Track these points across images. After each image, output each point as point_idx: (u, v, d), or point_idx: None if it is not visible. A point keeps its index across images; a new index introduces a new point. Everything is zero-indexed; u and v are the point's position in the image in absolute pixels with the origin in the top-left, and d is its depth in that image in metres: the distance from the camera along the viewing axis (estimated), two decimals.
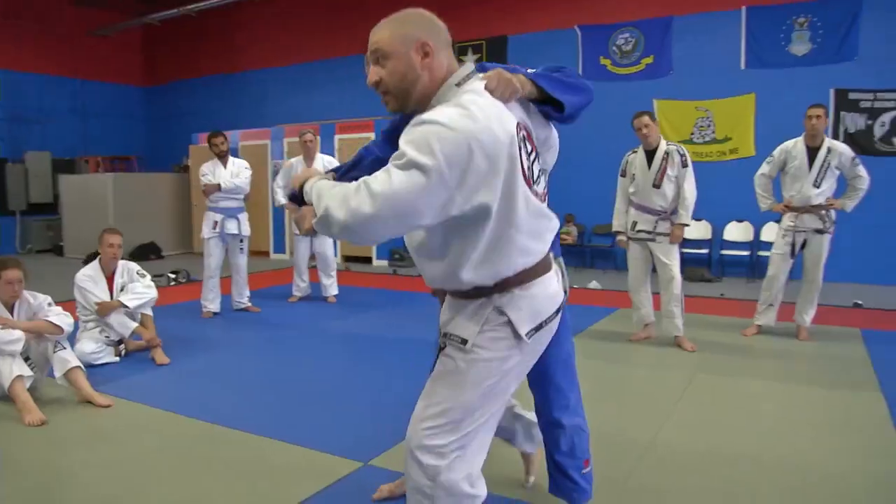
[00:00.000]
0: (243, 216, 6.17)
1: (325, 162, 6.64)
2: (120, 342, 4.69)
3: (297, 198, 1.69)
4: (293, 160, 6.70)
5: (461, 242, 1.59)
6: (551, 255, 1.75)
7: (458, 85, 1.60)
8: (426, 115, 1.49)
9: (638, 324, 5.06)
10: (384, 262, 10.11)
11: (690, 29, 8.78)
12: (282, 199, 6.70)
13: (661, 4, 8.94)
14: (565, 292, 1.82)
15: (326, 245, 6.67)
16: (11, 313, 3.75)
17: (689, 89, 8.68)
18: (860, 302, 6.28)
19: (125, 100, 14.09)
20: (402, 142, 1.47)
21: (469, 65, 1.67)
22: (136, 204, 11.63)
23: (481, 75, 1.62)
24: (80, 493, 2.61)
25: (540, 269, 1.68)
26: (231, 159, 6.14)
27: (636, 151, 4.92)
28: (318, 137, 10.35)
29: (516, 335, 1.64)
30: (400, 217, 1.45)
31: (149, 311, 4.76)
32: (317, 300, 6.74)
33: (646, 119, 4.66)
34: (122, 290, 4.70)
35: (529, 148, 1.60)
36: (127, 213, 11.41)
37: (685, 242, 5.86)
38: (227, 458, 2.95)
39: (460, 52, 10.58)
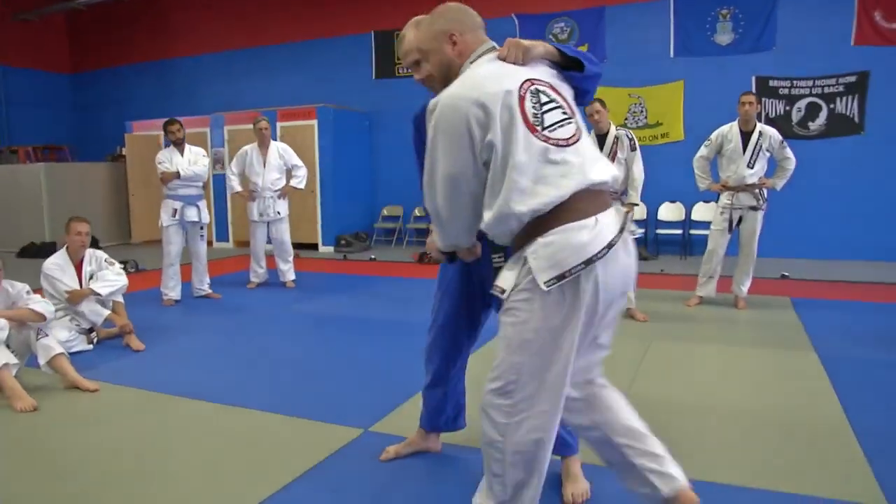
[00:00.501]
0: (202, 203, 6.21)
1: (280, 150, 6.72)
2: (91, 330, 4.71)
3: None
4: (247, 147, 6.75)
5: (488, 189, 1.81)
6: (594, 204, 1.77)
7: (472, 63, 1.85)
8: (431, 102, 1.81)
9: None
10: (330, 249, 10.22)
11: (622, 18, 9.22)
12: (236, 186, 6.76)
13: None
14: (610, 246, 1.72)
15: (283, 231, 6.77)
16: None
17: (622, 77, 9.09)
18: (787, 273, 6.86)
19: (51, 87, 13.59)
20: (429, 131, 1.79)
21: (486, 43, 1.91)
22: (71, 195, 11.32)
23: (495, 52, 1.88)
24: (93, 470, 2.70)
25: (563, 217, 1.72)
26: (188, 147, 6.14)
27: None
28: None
29: (534, 286, 1.72)
30: (454, 191, 1.77)
31: (120, 299, 4.81)
32: (274, 286, 6.84)
33: (597, 105, 4.97)
34: (90, 278, 4.72)
35: (545, 99, 1.80)
36: (61, 205, 11.09)
37: None
38: (228, 432, 3.09)
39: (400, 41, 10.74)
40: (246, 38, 11.97)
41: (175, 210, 6.05)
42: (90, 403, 3.54)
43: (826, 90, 8.14)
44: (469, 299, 2.48)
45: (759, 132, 5.29)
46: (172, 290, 6.07)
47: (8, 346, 3.72)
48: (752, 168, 5.31)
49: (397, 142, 10.89)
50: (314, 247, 10.38)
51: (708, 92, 8.55)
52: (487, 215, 1.80)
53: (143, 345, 4.59)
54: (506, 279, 1.80)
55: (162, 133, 11.26)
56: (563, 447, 2.41)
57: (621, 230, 1.76)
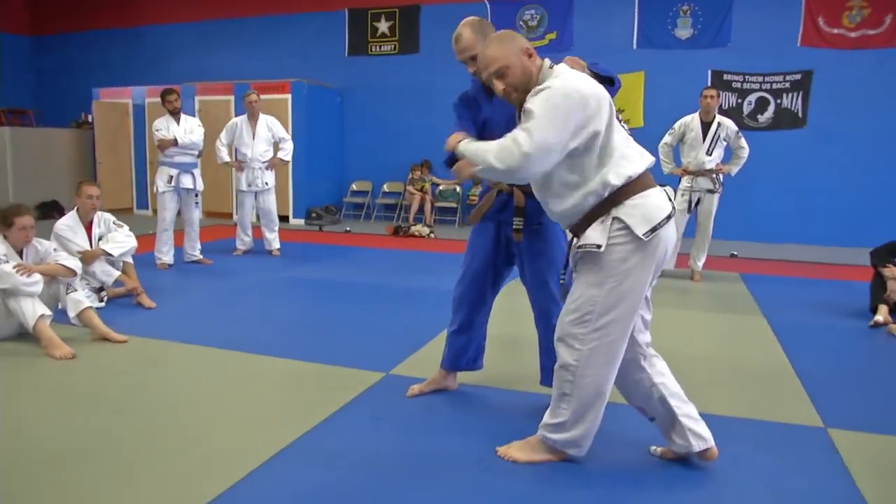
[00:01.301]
0: (197, 171, 6.47)
1: (268, 122, 7.01)
2: (101, 289, 4.98)
3: (452, 158, 2.48)
4: (237, 119, 7.03)
5: (579, 173, 2.24)
6: (652, 179, 2.27)
7: (551, 68, 2.30)
8: (543, 85, 2.20)
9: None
10: (300, 221, 10.51)
11: (590, 9, 9.73)
12: (225, 157, 7.03)
13: None
14: (673, 209, 2.26)
15: (270, 202, 7.09)
16: (21, 258, 4.04)
17: None
18: (735, 253, 7.55)
19: (9, 49, 13.30)
20: (531, 106, 2.17)
21: (545, 59, 2.37)
22: (36, 160, 11.32)
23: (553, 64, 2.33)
24: (143, 408, 3.02)
25: (642, 184, 2.22)
26: (183, 116, 6.39)
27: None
28: (233, 97, 10.59)
29: (634, 237, 2.17)
30: (544, 154, 2.14)
31: (130, 260, 5.08)
32: (259, 253, 7.17)
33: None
34: (99, 239, 4.98)
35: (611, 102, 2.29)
36: (26, 170, 11.11)
37: None
38: (261, 376, 3.48)
39: (373, 19, 11.04)
40: (219, 9, 12.03)
41: (171, 177, 6.31)
42: (122, 353, 3.85)
43: (774, 86, 8.83)
44: (496, 258, 2.95)
45: (718, 123, 5.88)
46: (166, 254, 6.34)
47: None
48: (710, 155, 5.90)
49: (367, 118, 11.24)
50: (285, 219, 10.63)
51: (667, 83, 9.14)
52: (577, 193, 2.25)
53: (154, 303, 4.89)
54: (595, 237, 2.22)
55: (129, 101, 11.53)
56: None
57: (670, 200, 2.29)
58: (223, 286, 5.66)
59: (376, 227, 10.16)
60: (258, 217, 7.19)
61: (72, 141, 12.12)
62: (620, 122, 2.30)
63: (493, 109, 2.79)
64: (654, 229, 2.18)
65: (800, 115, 8.78)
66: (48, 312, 3.91)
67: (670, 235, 2.27)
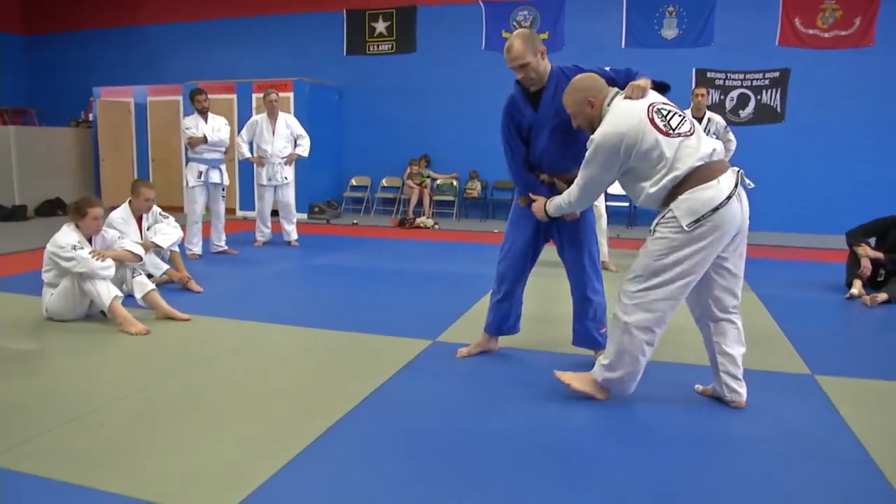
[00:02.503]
0: (223, 167, 6.88)
1: (287, 120, 7.44)
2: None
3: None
4: (258, 117, 7.45)
5: (640, 182, 2.84)
6: (714, 170, 2.70)
7: (609, 105, 2.87)
8: (595, 134, 2.84)
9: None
10: (303, 215, 10.91)
11: (580, 11, 10.25)
12: (246, 153, 7.45)
13: None
14: (729, 197, 2.66)
15: (289, 195, 7.53)
16: (90, 245, 4.45)
17: (578, 63, 10.07)
18: None
19: (2, 48, 13.38)
20: (588, 154, 2.87)
21: (612, 91, 2.92)
22: (39, 159, 11.51)
23: (623, 92, 2.88)
24: (224, 375, 3.49)
25: (697, 179, 2.69)
26: (210, 115, 6.78)
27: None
28: (235, 96, 10.95)
29: (679, 226, 2.70)
30: (595, 186, 2.95)
31: (176, 249, 5.50)
32: (279, 245, 7.59)
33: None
34: (148, 230, 5.38)
35: (665, 112, 2.81)
36: (30, 169, 11.31)
37: None
38: (322, 345, 3.93)
39: (371, 19, 11.47)
40: (217, 8, 12.35)
41: (200, 172, 6.71)
42: (190, 330, 4.25)
43: (754, 83, 9.44)
44: (537, 238, 3.47)
45: (708, 118, 6.43)
46: (196, 245, 6.74)
47: None
48: None
49: (366, 115, 11.68)
50: None
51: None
52: (643, 194, 2.85)
53: (201, 288, 5.31)
54: (655, 222, 2.84)
55: (131, 100, 11.81)
56: (595, 344, 3.46)
57: (736, 185, 2.72)
58: (258, 273, 6.10)
59: (377, 220, 10.62)
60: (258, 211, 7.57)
61: (74, 140, 12.36)
62: (674, 131, 2.75)
63: (536, 115, 3.28)
64: (697, 220, 2.68)
65: (778, 110, 9.40)
66: (120, 294, 4.33)
67: (728, 218, 2.70)
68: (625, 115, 2.79)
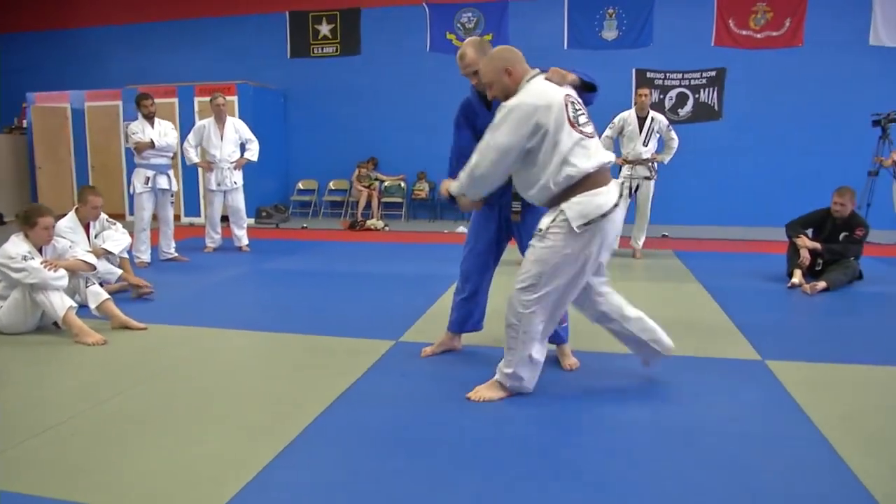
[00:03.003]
0: (171, 172, 6.77)
1: (235, 125, 7.36)
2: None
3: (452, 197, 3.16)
4: (205, 121, 7.35)
5: (535, 168, 2.86)
6: (605, 178, 2.85)
7: (528, 81, 2.90)
8: (508, 101, 2.84)
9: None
10: (251, 220, 10.77)
11: (523, 12, 10.43)
12: (194, 157, 7.34)
13: None
14: (615, 206, 2.81)
15: (238, 200, 7.45)
16: (41, 256, 4.34)
17: None
18: (667, 234, 8.42)
19: None
20: (497, 118, 2.84)
21: (533, 70, 2.95)
22: None
23: (543, 75, 2.92)
24: (181, 382, 3.46)
25: (590, 183, 2.78)
26: (157, 120, 6.66)
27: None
28: (177, 100, 10.75)
29: (570, 228, 2.77)
30: (501, 159, 2.83)
31: (126, 256, 5.39)
32: (230, 250, 7.50)
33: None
34: (96, 237, 5.26)
35: (577, 107, 2.88)
36: None
37: None
38: (285, 349, 3.93)
39: (315, 22, 11.41)
40: (156, 11, 12.11)
41: (147, 178, 6.59)
42: (148, 338, 4.17)
43: (692, 82, 9.78)
44: (498, 235, 3.54)
45: (652, 118, 6.66)
46: (144, 253, 6.60)
47: None
48: (646, 146, 6.69)
49: (311, 118, 11.63)
50: None
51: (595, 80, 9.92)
52: (536, 185, 2.87)
53: (152, 289, 5.23)
54: (544, 222, 2.89)
55: (68, 105, 11.47)
56: (557, 339, 3.53)
57: (620, 195, 2.89)
58: (211, 279, 6.02)
59: (325, 223, 10.58)
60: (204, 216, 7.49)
61: (7, 147, 11.95)
62: (579, 126, 2.83)
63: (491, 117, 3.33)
64: (587, 223, 2.77)
65: (716, 108, 9.76)
66: (75, 304, 4.23)
67: (611, 227, 2.85)
68: (542, 91, 2.83)
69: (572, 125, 2.81)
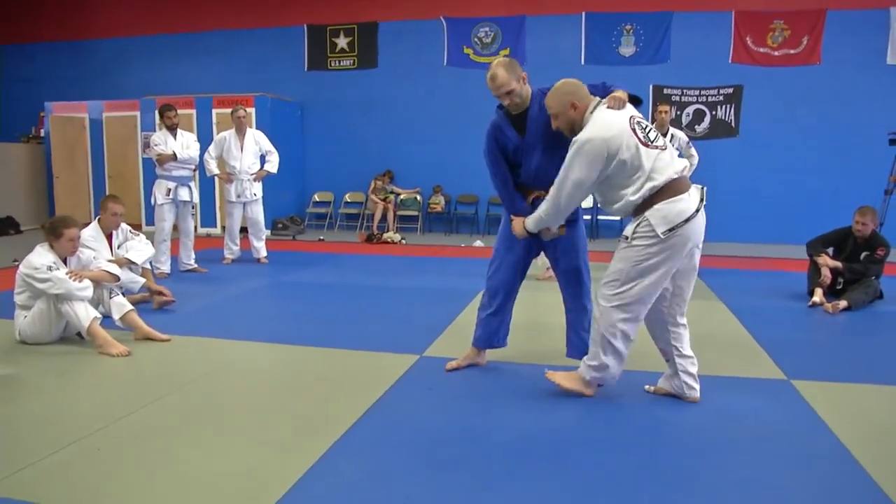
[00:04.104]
0: (193, 184, 6.81)
1: (255, 137, 7.41)
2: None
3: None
4: (226, 133, 7.39)
5: (618, 188, 2.99)
6: (684, 185, 2.96)
7: (591, 112, 2.97)
8: (578, 136, 2.93)
9: (542, 267, 6.56)
10: (267, 231, 10.81)
11: (541, 28, 10.48)
12: (214, 169, 7.39)
13: (516, 4, 10.56)
14: (697, 211, 2.93)
15: (258, 212, 7.48)
16: (66, 266, 4.37)
17: (539, 79, 10.13)
18: None
19: None
20: (570, 154, 2.94)
21: (595, 100, 3.03)
22: None
23: (605, 102, 2.99)
24: (206, 393, 3.48)
25: (671, 191, 2.90)
26: (179, 131, 6.71)
27: None
28: (195, 111, 10.83)
29: (654, 233, 2.91)
30: (576, 190, 2.99)
31: (148, 266, 5.42)
32: (248, 262, 7.53)
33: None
34: (118, 248, 5.29)
35: (644, 125, 2.98)
36: None
37: None
38: (310, 362, 3.92)
39: (332, 35, 11.49)
40: (174, 23, 12.22)
41: (169, 189, 6.63)
42: (171, 350, 4.18)
43: (709, 99, 9.78)
44: (528, 251, 3.55)
45: (672, 134, 6.65)
46: (164, 263, 6.64)
47: None
48: None
49: (328, 130, 11.69)
50: None
51: None
52: (621, 201, 3.01)
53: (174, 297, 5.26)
54: (629, 229, 3.03)
55: (86, 115, 11.57)
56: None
57: (701, 200, 3.00)
58: (231, 290, 6.04)
59: (341, 235, 10.61)
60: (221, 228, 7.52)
61: (25, 156, 12.05)
62: (652, 143, 2.94)
63: (523, 139, 3.36)
64: (671, 229, 2.90)
65: (733, 125, 9.76)
66: (99, 315, 4.25)
67: (694, 230, 2.96)
68: (609, 122, 2.94)
69: (645, 145, 2.93)
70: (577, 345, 3.62)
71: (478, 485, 2.44)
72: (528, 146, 3.35)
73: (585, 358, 3.21)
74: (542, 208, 3.15)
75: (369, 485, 2.45)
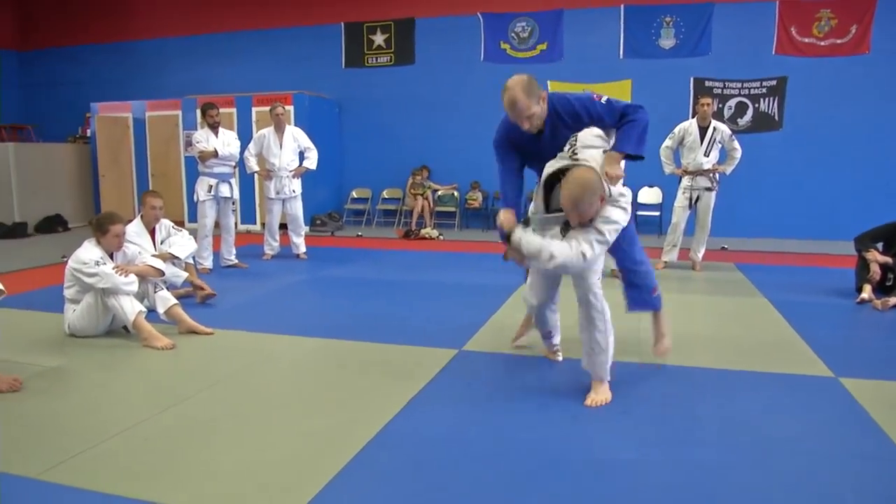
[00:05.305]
0: (234, 181, 6.91)
1: (294, 134, 7.48)
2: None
3: (505, 235, 3.05)
4: (265, 131, 7.47)
5: None
6: None
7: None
8: (605, 213, 2.89)
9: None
10: (306, 228, 10.92)
11: (578, 21, 10.37)
12: (254, 166, 7.48)
13: None
14: None
15: (297, 208, 7.56)
16: (112, 261, 4.47)
17: (577, 73, 10.24)
18: (726, 246, 8.24)
19: None
20: (600, 227, 2.89)
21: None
22: (38, 175, 11.46)
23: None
24: (251, 386, 3.53)
25: None
26: (221, 129, 6.81)
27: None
28: (235, 110, 10.98)
29: None
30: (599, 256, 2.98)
31: (191, 261, 5.52)
32: (288, 258, 7.61)
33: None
34: (161, 243, 5.39)
35: None
36: (29, 185, 11.26)
37: None
38: (346, 359, 3.93)
39: (369, 32, 11.55)
40: (213, 23, 12.39)
41: (210, 186, 6.74)
42: (215, 343, 4.26)
43: (752, 91, 9.57)
44: None
45: (714, 127, 6.54)
46: (206, 259, 6.76)
47: None
48: (707, 156, 6.57)
49: (365, 127, 11.74)
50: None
51: (652, 90, 9.81)
52: None
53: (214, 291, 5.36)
54: None
55: (130, 115, 11.79)
56: (648, 306, 3.72)
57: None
58: (272, 285, 6.12)
59: (379, 232, 10.66)
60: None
61: (72, 156, 12.32)
62: None
63: (538, 145, 3.26)
64: None
65: (776, 118, 9.53)
66: (144, 309, 4.35)
67: None
68: (621, 211, 2.93)
69: None
70: (635, 298, 3.65)
71: (515, 481, 2.43)
72: (544, 150, 3.22)
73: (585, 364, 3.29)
74: (556, 247, 2.87)
75: (408, 476, 2.46)
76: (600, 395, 3.19)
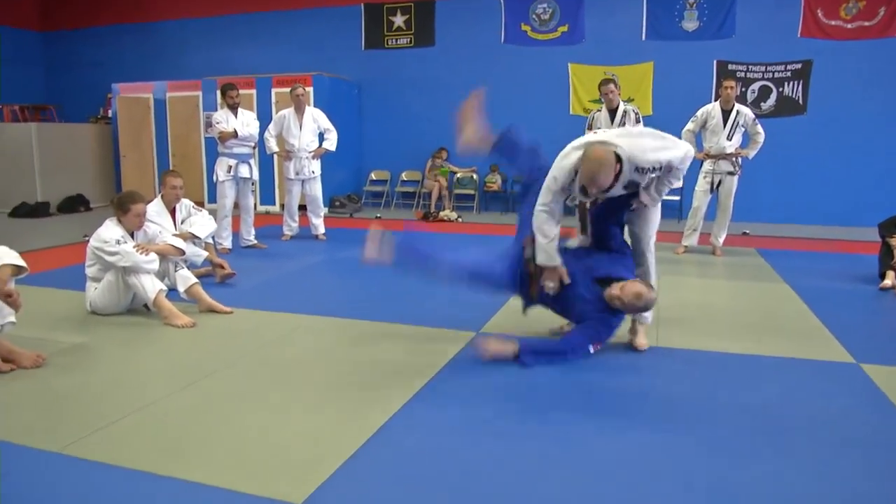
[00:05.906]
0: (253, 162, 6.94)
1: (314, 115, 7.48)
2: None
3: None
4: (285, 112, 7.47)
5: None
6: None
7: None
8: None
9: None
10: (325, 209, 10.95)
11: (600, 3, 10.23)
12: (274, 147, 7.49)
13: None
14: None
15: (316, 189, 7.58)
16: (133, 240, 4.51)
17: (598, 55, 10.14)
18: (747, 231, 8.15)
19: (19, 45, 13.39)
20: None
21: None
22: (60, 155, 11.55)
23: None
24: (291, 358, 3.58)
25: None
26: (240, 110, 6.83)
27: (600, 110, 6.31)
28: (255, 91, 10.99)
29: None
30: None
31: (210, 241, 5.56)
32: (306, 238, 7.64)
33: (611, 86, 6.01)
34: (182, 223, 5.43)
35: None
36: (52, 165, 11.36)
37: None
38: (365, 338, 3.96)
39: (389, 13, 11.48)
40: (234, 4, 12.38)
41: (230, 167, 6.78)
42: (234, 322, 4.31)
43: (776, 75, 9.42)
44: None
45: (737, 111, 6.45)
46: (226, 239, 6.81)
47: None
48: (730, 140, 6.48)
49: (385, 109, 11.71)
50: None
51: (674, 72, 9.70)
52: None
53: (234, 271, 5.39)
54: None
55: (150, 96, 11.84)
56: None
57: None
58: (291, 266, 6.16)
59: (398, 214, 10.66)
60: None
61: (94, 136, 12.40)
62: None
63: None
64: None
65: (800, 102, 9.38)
66: (165, 287, 4.39)
67: None
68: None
69: None
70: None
71: (535, 465, 2.43)
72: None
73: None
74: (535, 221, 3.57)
75: (426, 455, 2.48)
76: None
